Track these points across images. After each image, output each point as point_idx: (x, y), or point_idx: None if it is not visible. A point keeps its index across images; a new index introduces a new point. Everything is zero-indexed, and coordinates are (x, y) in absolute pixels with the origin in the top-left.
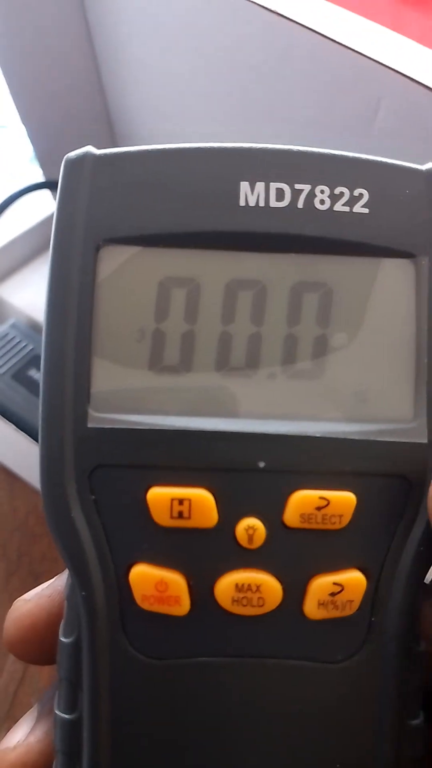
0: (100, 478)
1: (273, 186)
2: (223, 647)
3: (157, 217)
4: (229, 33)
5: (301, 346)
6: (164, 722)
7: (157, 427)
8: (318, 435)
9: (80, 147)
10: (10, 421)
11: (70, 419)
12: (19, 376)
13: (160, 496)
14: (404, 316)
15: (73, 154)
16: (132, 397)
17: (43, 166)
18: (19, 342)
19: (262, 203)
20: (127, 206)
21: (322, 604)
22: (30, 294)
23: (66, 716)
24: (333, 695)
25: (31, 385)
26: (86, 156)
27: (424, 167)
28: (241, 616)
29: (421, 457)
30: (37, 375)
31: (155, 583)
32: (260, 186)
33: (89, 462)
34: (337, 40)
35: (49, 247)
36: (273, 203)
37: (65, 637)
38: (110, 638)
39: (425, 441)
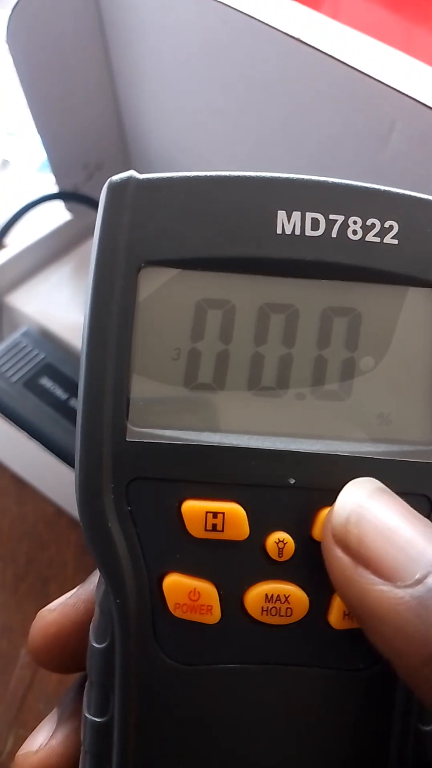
0: (137, 490)
1: (309, 216)
2: (251, 655)
3: (197, 242)
4: (245, 53)
5: (329, 368)
6: (193, 726)
7: (193, 443)
8: (344, 454)
9: (94, 159)
10: (21, 428)
11: (108, 433)
12: (31, 384)
13: (194, 508)
14: (428, 342)
15: (116, 177)
16: (168, 413)
17: (57, 176)
18: (30, 350)
19: (297, 232)
20: (167, 230)
21: (346, 615)
22: (42, 302)
23: (97, 719)
24: (354, 702)
25: (42, 394)
26: (129, 180)
27: None
28: (269, 625)
29: None
30: (48, 383)
31: (188, 592)
32: (297, 215)
33: (127, 474)
34: (352, 65)
35: (60, 256)
36: (308, 232)
37: (98, 643)
38: (142, 644)
39: None
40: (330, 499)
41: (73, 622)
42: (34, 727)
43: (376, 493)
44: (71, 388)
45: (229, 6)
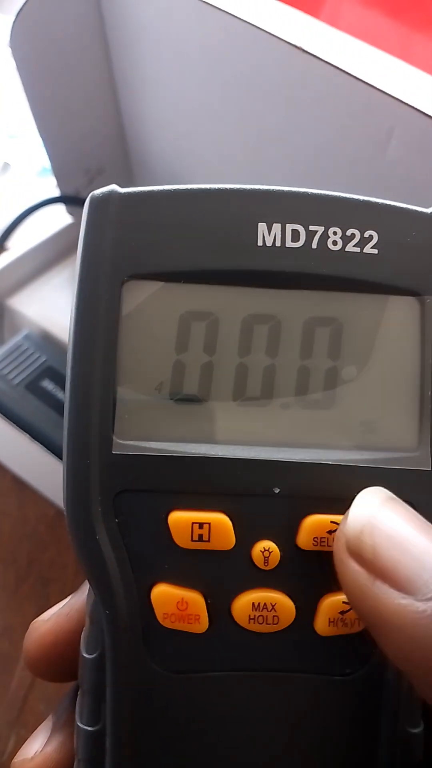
0: (124, 502)
1: (289, 227)
2: (239, 662)
3: (180, 255)
4: (246, 60)
5: (313, 377)
6: (184, 733)
7: (178, 454)
8: (329, 462)
9: (95, 163)
10: (23, 430)
11: (95, 446)
12: (32, 386)
13: (181, 519)
14: (409, 350)
15: (98, 192)
16: (154, 425)
17: (58, 180)
18: (32, 353)
19: (278, 243)
20: (150, 243)
21: (332, 622)
22: (43, 305)
23: (89, 728)
24: (342, 706)
25: (44, 396)
26: (111, 194)
27: (429, 210)
28: (256, 632)
29: (426, 483)
30: (50, 386)
31: (176, 602)
32: (277, 227)
33: (114, 487)
34: (350, 72)
35: (62, 259)
36: (289, 243)
37: (88, 653)
38: (132, 653)
39: (429, 468)
40: (315, 507)
41: (67, 631)
42: (36, 728)
43: (387, 503)
44: None
45: (229, 14)
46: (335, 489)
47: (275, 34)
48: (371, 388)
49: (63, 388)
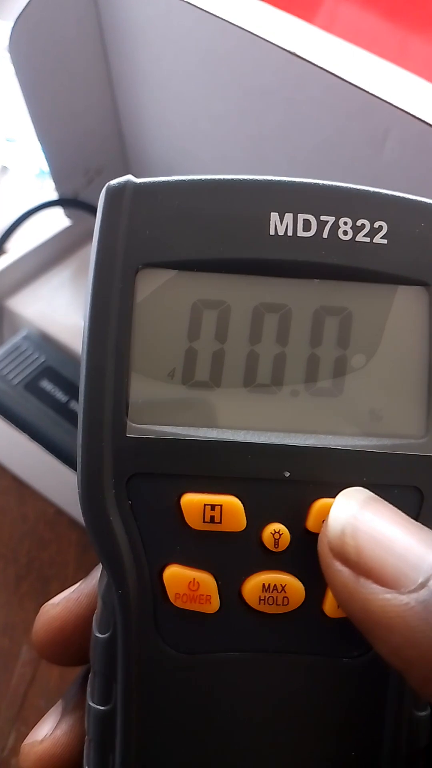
0: (137, 485)
1: (300, 217)
2: (249, 643)
3: (193, 244)
4: (243, 65)
5: (322, 365)
6: (193, 712)
7: (191, 438)
8: (338, 448)
9: (94, 165)
10: (22, 430)
11: (109, 430)
12: (31, 386)
13: (193, 501)
14: (417, 339)
15: (114, 182)
16: (167, 410)
17: (57, 182)
18: (31, 354)
19: (290, 233)
20: (164, 233)
21: None
22: (42, 306)
23: (100, 708)
24: (349, 688)
25: (43, 396)
26: (127, 184)
27: None
28: (266, 614)
29: None
30: (49, 386)
31: (188, 582)
32: (289, 217)
33: (127, 470)
34: (346, 78)
35: (60, 261)
36: (300, 233)
37: (100, 633)
38: (144, 634)
39: None
40: (324, 491)
41: (76, 616)
42: (36, 724)
43: (368, 503)
44: (71, 390)
45: (225, 20)
46: (344, 474)
47: (272, 40)
48: (379, 377)
49: (61, 388)
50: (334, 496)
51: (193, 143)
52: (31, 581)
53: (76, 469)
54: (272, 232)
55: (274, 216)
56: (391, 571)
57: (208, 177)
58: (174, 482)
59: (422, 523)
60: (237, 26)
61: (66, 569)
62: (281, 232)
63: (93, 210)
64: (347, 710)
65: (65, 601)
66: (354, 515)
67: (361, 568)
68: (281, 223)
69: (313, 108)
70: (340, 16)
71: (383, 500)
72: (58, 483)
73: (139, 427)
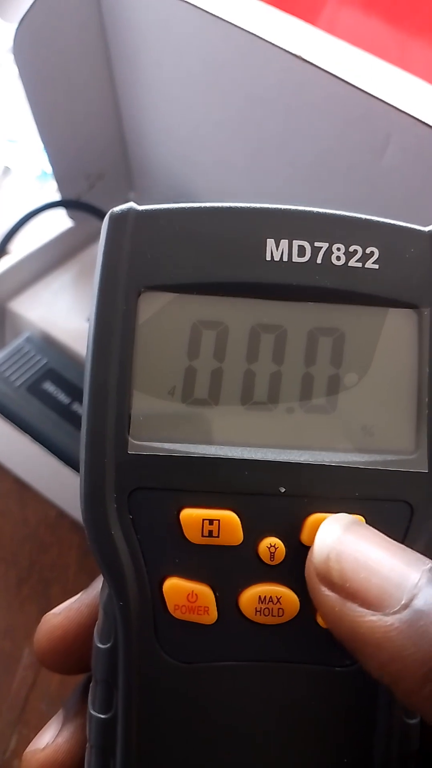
0: (138, 500)
1: (295, 243)
2: (245, 652)
3: (193, 268)
4: (245, 68)
5: (316, 383)
6: (192, 720)
7: (190, 454)
8: (331, 464)
9: (96, 169)
10: (24, 432)
11: (111, 446)
12: (34, 388)
13: (192, 516)
14: (407, 359)
15: (117, 209)
16: (167, 427)
17: (60, 185)
18: (33, 356)
19: (285, 258)
20: (165, 257)
21: None
22: (44, 308)
23: (102, 715)
24: (342, 696)
25: (45, 398)
26: (129, 211)
27: (426, 229)
28: (262, 624)
29: (423, 484)
30: (51, 388)
31: (187, 594)
32: (284, 243)
33: (129, 485)
34: (348, 81)
35: (62, 263)
36: (295, 258)
37: (102, 644)
38: (144, 644)
39: (426, 470)
40: (318, 506)
41: (77, 625)
42: (37, 727)
43: (351, 528)
44: (73, 392)
45: (228, 22)
46: (337, 489)
47: (275, 42)
48: (371, 394)
49: (64, 390)
50: (328, 511)
51: (195, 149)
52: (32, 584)
53: (78, 471)
54: (268, 258)
55: (270, 242)
56: (376, 593)
57: (207, 204)
58: (174, 497)
59: (412, 536)
60: (239, 28)
61: (67, 572)
62: (277, 258)
63: (96, 212)
64: (340, 717)
65: (66, 611)
66: (338, 540)
67: (347, 591)
68: (277, 249)
69: (314, 113)
70: (341, 20)
71: (366, 524)
72: (60, 485)
73: (140, 444)
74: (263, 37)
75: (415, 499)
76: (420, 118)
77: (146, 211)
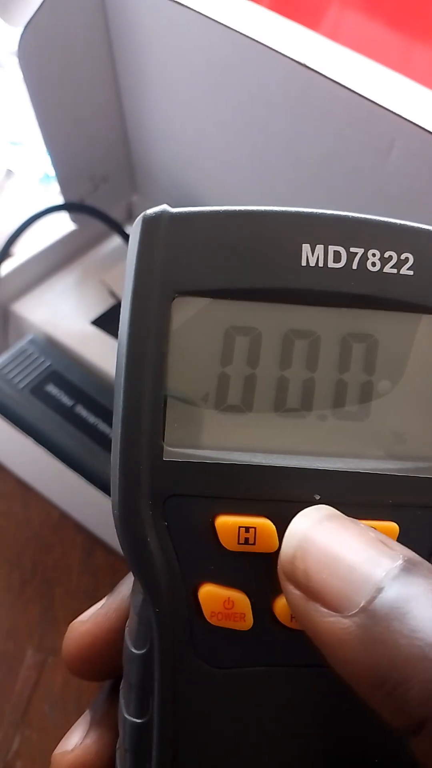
0: (173, 507)
1: (331, 249)
2: (281, 658)
3: (226, 273)
4: (249, 73)
5: (349, 391)
6: (227, 723)
7: (224, 462)
8: (365, 471)
9: (100, 171)
10: (27, 434)
11: (146, 453)
12: (37, 390)
13: (227, 523)
14: None
15: (150, 211)
16: (201, 434)
17: (63, 187)
18: (36, 358)
19: (321, 264)
20: (199, 262)
21: None
22: (47, 311)
23: (137, 720)
24: None
25: (48, 400)
26: (162, 214)
27: None
28: (297, 630)
29: None
30: (54, 390)
31: (223, 601)
32: (320, 248)
33: (164, 492)
34: (352, 88)
35: (66, 265)
36: (331, 264)
37: (137, 649)
38: (180, 650)
39: None
40: (352, 512)
41: (106, 631)
42: (40, 728)
43: (321, 523)
44: (77, 395)
45: (231, 29)
46: (370, 495)
47: (277, 49)
48: (404, 402)
49: (67, 392)
50: (362, 518)
51: (199, 151)
52: (36, 585)
53: (80, 473)
54: (304, 263)
55: (306, 247)
56: (335, 594)
57: (242, 208)
58: (209, 504)
59: None
60: (243, 35)
61: (70, 573)
62: (312, 263)
63: (99, 215)
64: (370, 718)
65: (95, 617)
66: (305, 537)
67: (310, 590)
68: (312, 254)
69: (317, 117)
70: (344, 25)
71: (342, 516)
72: (63, 487)
73: (175, 451)
74: (266, 43)
75: None
76: (423, 125)
77: (180, 213)
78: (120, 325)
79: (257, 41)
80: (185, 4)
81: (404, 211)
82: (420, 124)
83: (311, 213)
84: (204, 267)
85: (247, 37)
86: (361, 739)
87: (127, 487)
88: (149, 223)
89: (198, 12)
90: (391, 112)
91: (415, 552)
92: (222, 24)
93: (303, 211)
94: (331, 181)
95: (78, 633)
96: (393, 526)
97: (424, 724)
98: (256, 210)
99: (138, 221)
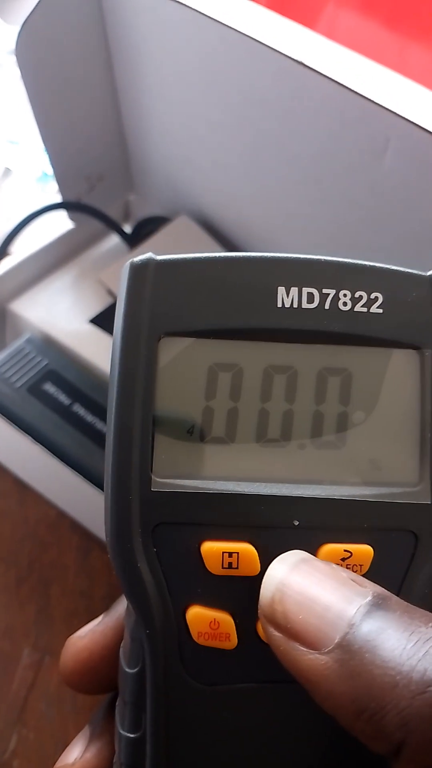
0: (161, 534)
1: (305, 290)
2: (265, 675)
3: (209, 314)
4: (243, 71)
5: (326, 421)
6: (216, 738)
7: (209, 491)
8: (341, 497)
9: (96, 170)
10: (25, 432)
11: (136, 484)
12: (34, 389)
13: (212, 549)
14: (411, 397)
15: (137, 259)
16: (187, 465)
17: (60, 186)
18: (34, 357)
19: (295, 305)
20: (183, 304)
21: None
22: (44, 310)
23: (131, 735)
24: None
25: (45, 399)
26: (149, 261)
27: (427, 273)
28: None
29: (426, 514)
30: (51, 389)
31: (209, 622)
32: (294, 290)
33: (152, 520)
34: (347, 85)
35: (63, 264)
36: (304, 305)
37: (130, 668)
38: (170, 668)
39: (429, 501)
40: (330, 537)
41: (102, 647)
42: (37, 727)
43: (297, 567)
44: (74, 393)
45: (227, 26)
46: (347, 521)
47: (274, 47)
48: (377, 431)
49: (64, 391)
50: (339, 541)
51: (194, 150)
52: (32, 584)
53: (78, 472)
54: (279, 304)
55: (281, 290)
56: (313, 633)
57: (222, 254)
58: (195, 531)
59: (417, 563)
60: (238, 32)
61: (67, 572)
62: (287, 304)
63: (97, 213)
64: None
65: (91, 634)
66: (282, 581)
67: (290, 631)
68: (287, 296)
69: (312, 116)
70: (340, 24)
71: (315, 559)
72: (60, 486)
73: (162, 482)
74: (261, 41)
75: (420, 528)
76: (418, 123)
77: (165, 261)
78: (110, 363)
79: (253, 39)
80: (181, 1)
81: (399, 208)
82: (415, 122)
83: (285, 258)
84: (188, 309)
85: (243, 34)
86: (347, 752)
87: (118, 517)
88: (137, 269)
89: (194, 9)
90: (387, 109)
91: (389, 573)
92: (218, 21)
93: (277, 256)
94: (327, 179)
95: (75, 648)
96: (368, 549)
97: (401, 747)
98: (234, 256)
99: (126, 267)
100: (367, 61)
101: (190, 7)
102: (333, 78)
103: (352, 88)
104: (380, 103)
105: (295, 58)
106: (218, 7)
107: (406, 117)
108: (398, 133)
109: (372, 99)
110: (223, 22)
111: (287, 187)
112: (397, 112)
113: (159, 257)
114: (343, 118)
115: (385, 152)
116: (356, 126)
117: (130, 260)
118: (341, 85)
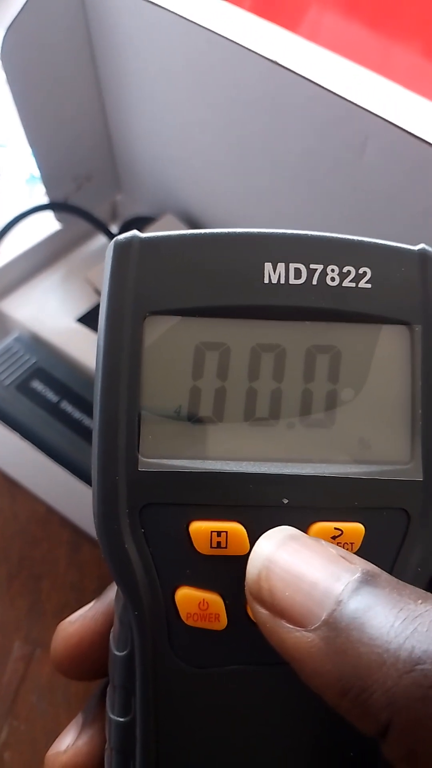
0: (149, 514)
1: (292, 266)
2: (255, 656)
3: (195, 292)
4: (228, 74)
5: (315, 399)
6: (206, 721)
7: (197, 470)
8: (331, 475)
9: (83, 171)
10: (14, 429)
11: (122, 464)
12: (23, 387)
13: (201, 529)
14: (401, 373)
15: (121, 237)
16: (174, 444)
17: (47, 187)
18: (22, 355)
19: (282, 281)
20: (169, 283)
21: None
22: (32, 309)
23: (121, 719)
24: None
25: (34, 396)
26: (133, 239)
27: (416, 248)
28: None
29: (418, 492)
30: (39, 386)
31: (198, 602)
32: (281, 266)
33: (140, 501)
34: (327, 87)
35: (50, 264)
36: (292, 281)
37: (119, 651)
38: (159, 650)
39: (421, 478)
40: (319, 515)
41: (92, 633)
42: (28, 719)
43: (283, 543)
44: (62, 391)
45: (210, 30)
46: (337, 499)
47: (255, 50)
48: (367, 408)
49: (52, 388)
50: (329, 520)
51: (180, 150)
52: (23, 579)
53: (66, 468)
54: (266, 281)
55: (268, 266)
56: (299, 610)
57: (207, 231)
58: (183, 511)
59: (409, 541)
60: (222, 36)
61: (57, 567)
62: (275, 280)
63: (83, 214)
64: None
65: (82, 619)
66: (268, 558)
67: (276, 609)
68: (274, 272)
69: (294, 116)
70: (323, 26)
71: (303, 536)
72: (49, 482)
73: (149, 461)
74: (243, 44)
75: (411, 506)
76: (394, 122)
77: (149, 238)
78: (96, 344)
79: (234, 42)
80: (163, 6)
81: (381, 203)
82: (391, 121)
83: (272, 233)
84: (173, 287)
85: (225, 37)
86: (337, 732)
87: (105, 498)
88: (121, 247)
89: (176, 14)
90: (364, 109)
91: (381, 552)
92: (200, 25)
93: (264, 232)
94: (310, 177)
95: (66, 633)
96: (359, 527)
97: (388, 727)
98: (220, 232)
99: (110, 246)
100: (347, 63)
101: (171, 11)
102: (312, 79)
103: (331, 89)
104: (358, 104)
105: (274, 59)
106: (198, 10)
107: (382, 116)
108: (376, 131)
109: (350, 99)
110: (204, 25)
111: (272, 186)
112: (375, 112)
113: (143, 235)
114: (324, 117)
115: (364, 150)
116: (337, 125)
117: (115, 238)
118: (321, 86)
